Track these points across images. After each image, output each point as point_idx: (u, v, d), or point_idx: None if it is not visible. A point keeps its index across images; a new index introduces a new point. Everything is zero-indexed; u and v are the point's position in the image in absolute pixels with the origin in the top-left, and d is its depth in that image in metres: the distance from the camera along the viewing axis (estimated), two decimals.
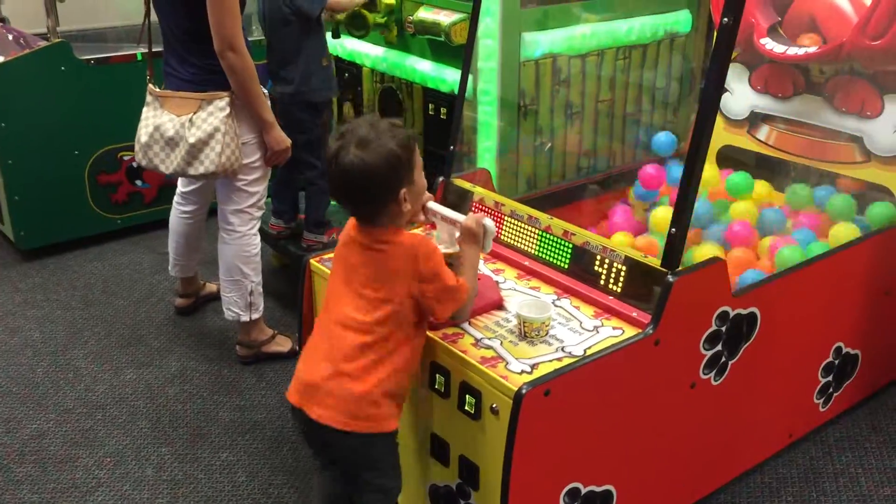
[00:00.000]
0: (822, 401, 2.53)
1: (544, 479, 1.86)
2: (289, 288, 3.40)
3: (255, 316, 2.91)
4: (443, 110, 3.26)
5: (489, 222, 1.94)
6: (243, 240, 2.83)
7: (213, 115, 2.61)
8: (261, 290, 2.90)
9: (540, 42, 3.03)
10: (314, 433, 1.86)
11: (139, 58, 3.73)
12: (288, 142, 2.78)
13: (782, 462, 2.46)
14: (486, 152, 3.08)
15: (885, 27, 2.46)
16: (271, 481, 2.41)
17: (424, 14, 3.15)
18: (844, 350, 2.52)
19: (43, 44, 3.64)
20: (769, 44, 2.74)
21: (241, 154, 2.66)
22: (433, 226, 2.12)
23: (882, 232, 2.53)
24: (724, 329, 2.10)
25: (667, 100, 3.47)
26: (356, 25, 3.33)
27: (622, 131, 3.41)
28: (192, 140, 2.60)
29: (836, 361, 2.51)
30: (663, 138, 3.05)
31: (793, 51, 2.68)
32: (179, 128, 2.64)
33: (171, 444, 2.58)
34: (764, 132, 2.98)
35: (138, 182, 3.93)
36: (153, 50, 2.90)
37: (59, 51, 3.58)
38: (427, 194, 2.03)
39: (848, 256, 2.42)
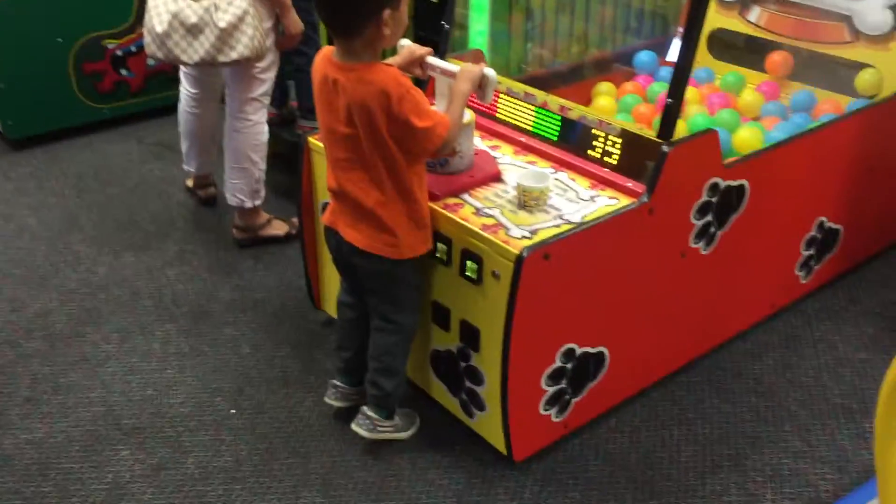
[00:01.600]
0: (803, 273, 2.64)
1: (542, 339, 1.96)
2: (280, 176, 3.42)
3: (258, 202, 2.95)
4: None
5: (489, 71, 1.96)
6: (255, 128, 2.84)
7: None
8: (264, 177, 2.93)
9: None
10: (342, 252, 2.00)
11: None
12: (302, 26, 2.75)
13: (764, 330, 2.58)
14: (478, 35, 3.08)
15: None
16: (275, 353, 2.50)
17: None
18: (827, 224, 2.61)
19: None
20: None
21: (265, 36, 2.63)
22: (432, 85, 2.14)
23: (867, 109, 2.59)
24: (714, 200, 2.17)
25: None
26: None
27: (613, 15, 3.40)
28: (222, 24, 2.54)
29: (819, 235, 2.60)
30: (644, 57, 3.05)
31: None
32: (203, 13, 2.55)
33: (174, 320, 2.65)
34: (755, 14, 2.99)
35: (123, 71, 3.89)
36: None
37: None
38: (425, 49, 2.06)
39: (833, 132, 2.49)
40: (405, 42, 2.09)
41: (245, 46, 2.57)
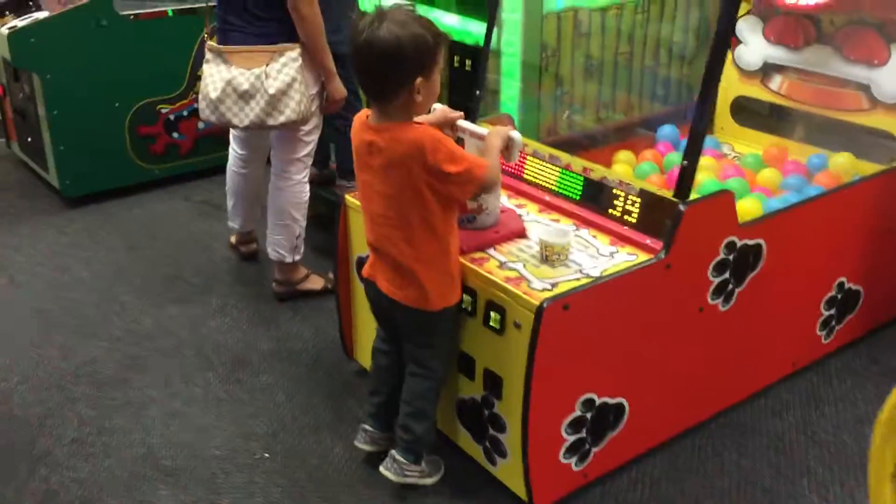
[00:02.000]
0: (824, 333, 2.69)
1: (562, 388, 2.04)
2: (318, 233, 3.57)
3: (297, 258, 3.10)
4: (467, 62, 3.40)
5: (515, 133, 2.10)
6: (297, 187, 3.01)
7: (288, 66, 2.73)
8: (304, 234, 3.08)
9: None
10: (381, 303, 2.13)
11: (170, 13, 3.91)
12: (345, 92, 2.93)
13: (786, 388, 2.62)
14: (509, 101, 3.23)
15: None
16: (308, 401, 2.61)
17: None
18: (847, 285, 2.67)
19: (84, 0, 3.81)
20: None
21: (311, 102, 2.82)
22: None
23: (890, 171, 2.66)
24: (731, 258, 2.26)
25: (683, 53, 3.59)
26: None
27: (640, 83, 3.54)
28: (272, 91, 2.72)
29: (839, 296, 2.66)
30: (666, 130, 3.16)
31: (805, 1, 2.80)
32: (255, 80, 2.73)
33: (214, 369, 2.77)
34: (776, 82, 3.10)
35: (175, 134, 4.11)
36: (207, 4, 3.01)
37: (100, 6, 3.74)
38: (457, 113, 2.20)
39: (850, 194, 2.57)
40: (438, 106, 2.24)
41: (292, 111, 2.75)
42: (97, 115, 3.85)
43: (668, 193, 2.15)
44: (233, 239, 3.50)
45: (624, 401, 2.18)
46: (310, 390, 2.66)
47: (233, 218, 3.35)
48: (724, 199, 2.20)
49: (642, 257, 2.13)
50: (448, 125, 2.21)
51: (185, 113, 4.08)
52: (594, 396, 2.11)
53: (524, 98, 3.23)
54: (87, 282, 3.31)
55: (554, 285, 2.01)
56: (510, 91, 3.21)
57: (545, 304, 1.92)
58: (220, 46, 2.80)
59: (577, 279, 2.03)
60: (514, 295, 1.99)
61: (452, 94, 3.51)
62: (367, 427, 2.31)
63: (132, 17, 3.85)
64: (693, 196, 2.13)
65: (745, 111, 3.27)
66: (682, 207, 2.09)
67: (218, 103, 2.79)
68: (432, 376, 2.13)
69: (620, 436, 2.21)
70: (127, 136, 3.97)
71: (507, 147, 2.10)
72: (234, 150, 3.20)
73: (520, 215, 2.36)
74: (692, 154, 2.10)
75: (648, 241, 2.16)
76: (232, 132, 3.17)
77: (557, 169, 2.43)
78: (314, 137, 2.98)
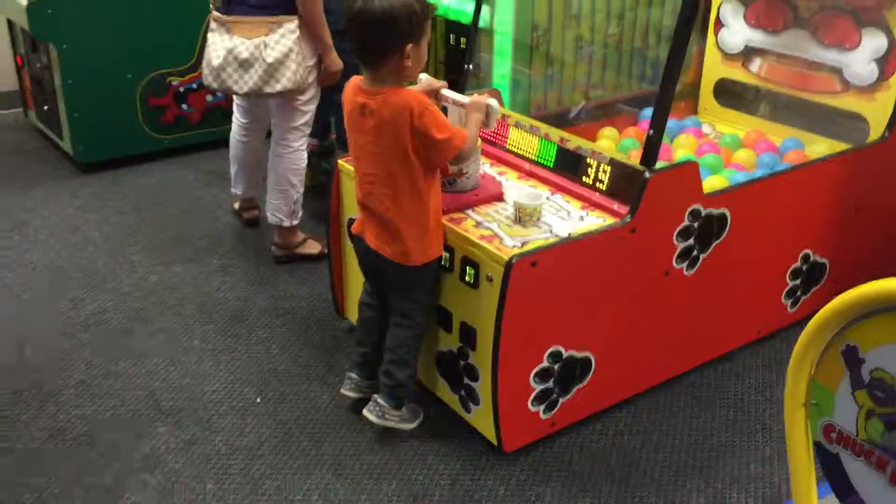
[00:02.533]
0: (790, 302, 2.84)
1: (530, 339, 2.20)
2: (317, 203, 3.74)
3: (295, 222, 3.27)
4: (462, 40, 3.56)
5: (493, 101, 2.26)
6: (295, 154, 3.18)
7: (286, 37, 2.91)
8: (301, 199, 3.25)
9: None
10: (368, 257, 2.28)
11: None
12: (341, 64, 3.09)
13: (750, 353, 2.77)
14: (501, 78, 3.38)
15: None
16: (300, 353, 2.78)
17: None
18: (812, 257, 2.81)
19: None
20: None
21: (307, 73, 2.99)
22: None
23: (854, 151, 2.80)
24: (695, 225, 2.41)
25: (670, 35, 3.71)
26: None
27: (629, 65, 3.67)
28: (270, 60, 2.89)
29: (804, 267, 2.80)
30: (648, 112, 3.17)
31: None
32: (254, 49, 2.91)
33: (214, 322, 2.95)
34: (756, 65, 3.24)
35: (184, 106, 4.28)
36: None
37: None
38: (441, 82, 2.36)
39: (818, 171, 2.70)
40: (423, 76, 2.40)
41: (288, 80, 2.91)
42: (110, 85, 4.02)
43: (636, 162, 2.30)
44: (236, 205, 3.68)
45: (591, 355, 2.34)
46: (302, 344, 2.83)
47: (235, 185, 3.52)
48: (688, 169, 2.34)
49: (610, 221, 2.29)
50: (433, 94, 2.36)
51: (194, 85, 4.24)
52: (561, 349, 2.27)
53: (515, 75, 3.37)
54: (98, 242, 3.50)
55: (524, 243, 2.16)
56: (502, 69, 3.36)
57: (514, 260, 2.07)
58: (224, 16, 2.97)
59: (547, 238, 2.19)
60: (486, 251, 2.15)
61: (448, 71, 3.67)
62: (353, 375, 2.48)
63: None
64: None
65: (729, 93, 3.41)
66: (647, 175, 2.24)
67: (220, 70, 2.96)
68: (415, 326, 2.30)
69: (587, 388, 2.37)
70: (138, 106, 4.14)
71: (487, 115, 2.26)
72: (236, 119, 3.37)
73: (499, 181, 2.52)
74: (657, 125, 2.24)
75: (616, 206, 2.31)
76: (235, 102, 3.34)
77: (536, 138, 2.59)
78: (311, 107, 3.15)
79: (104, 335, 2.87)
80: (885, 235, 3.01)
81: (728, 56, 3.34)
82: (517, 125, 2.66)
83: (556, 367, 2.27)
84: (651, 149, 2.26)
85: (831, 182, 2.75)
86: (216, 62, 2.97)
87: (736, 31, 3.28)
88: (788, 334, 2.87)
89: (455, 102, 2.33)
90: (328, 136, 3.73)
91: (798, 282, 2.81)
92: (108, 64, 3.98)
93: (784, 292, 2.80)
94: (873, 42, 2.84)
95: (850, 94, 2.95)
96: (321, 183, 3.90)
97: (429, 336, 2.41)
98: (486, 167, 2.62)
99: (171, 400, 2.56)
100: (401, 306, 2.30)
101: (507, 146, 2.68)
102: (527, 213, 2.26)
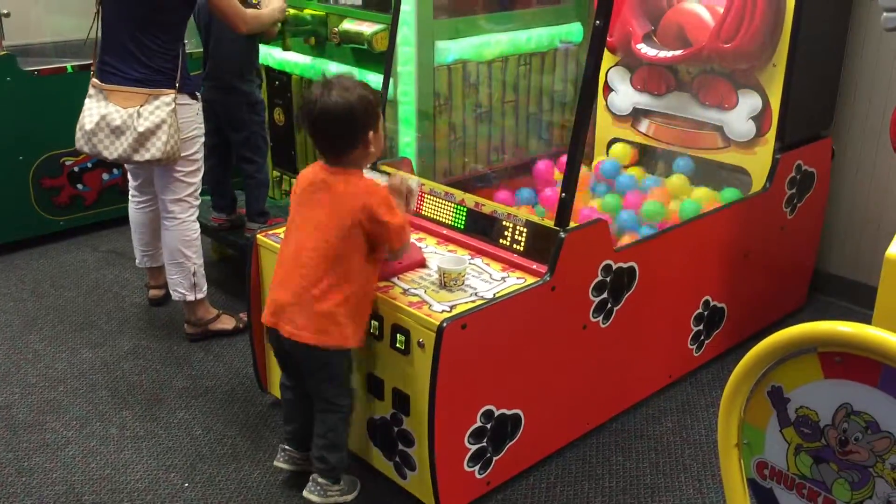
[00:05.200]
0: (695, 347, 3.01)
1: (464, 400, 2.25)
2: (229, 276, 3.71)
3: (200, 296, 3.23)
4: None
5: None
6: (183, 226, 3.16)
7: (160, 108, 2.94)
8: (203, 272, 3.22)
9: (451, 49, 3.45)
10: (284, 349, 2.25)
11: (69, 69, 4.01)
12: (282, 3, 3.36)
13: (664, 398, 2.91)
14: (407, 146, 3.48)
15: (734, 32, 2.97)
16: (225, 433, 2.73)
17: (349, 25, 3.54)
18: (712, 303, 3.00)
19: None
20: (644, 48, 3.22)
21: (180, 146, 3.00)
22: None
23: (739, 202, 3.03)
24: (608, 279, 2.54)
25: (564, 101, 3.93)
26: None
27: (525, 128, 3.86)
28: (140, 129, 2.92)
29: (705, 312, 2.98)
30: (608, 165, 3.42)
31: (663, 54, 3.18)
32: (127, 118, 2.93)
33: (130, 408, 2.87)
34: (644, 125, 3.46)
35: (79, 186, 4.18)
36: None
37: (4, 63, 3.82)
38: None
39: (711, 221, 2.91)
40: None
41: (158, 150, 2.94)
42: (1, 168, 3.90)
43: (551, 223, 2.42)
44: (148, 283, 3.60)
45: (520, 412, 2.41)
46: (226, 423, 2.78)
47: (138, 258, 3.46)
48: (599, 227, 2.48)
49: (530, 280, 2.39)
50: None
51: (89, 164, 4.16)
52: (493, 408, 2.33)
53: (420, 143, 3.48)
54: None
55: (452, 307, 2.23)
56: (407, 137, 3.46)
57: (445, 324, 2.14)
58: (101, 83, 3.00)
59: (473, 301, 2.27)
60: (416, 317, 2.20)
61: None
62: (286, 447, 2.45)
63: (35, 73, 3.93)
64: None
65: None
66: (562, 235, 2.37)
67: (91, 135, 3.00)
68: (340, 410, 2.30)
69: (518, 444, 2.44)
70: (31, 188, 4.02)
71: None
72: (130, 182, 3.36)
73: (420, 247, 2.58)
74: (568, 188, 2.38)
75: (535, 265, 2.42)
76: (128, 168, 3.34)
77: (451, 204, 2.68)
78: (196, 179, 3.16)
79: (13, 431, 2.74)
80: (773, 278, 3.25)
81: (618, 117, 3.56)
82: (431, 192, 2.75)
83: (489, 425, 2.33)
84: (564, 210, 2.39)
85: (722, 231, 2.96)
86: (89, 126, 3.00)
87: (623, 94, 3.50)
88: (696, 377, 3.03)
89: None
90: (236, 210, 3.72)
91: (701, 327, 2.99)
92: None
93: (689, 337, 2.96)
94: (749, 102, 3.10)
95: (732, 150, 3.19)
96: (230, 256, 3.88)
97: (360, 404, 2.43)
98: None
99: (94, 493, 2.46)
100: (324, 393, 2.29)
101: (423, 213, 2.76)
102: (451, 278, 2.33)
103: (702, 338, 3.02)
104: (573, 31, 3.86)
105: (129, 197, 3.39)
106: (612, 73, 3.53)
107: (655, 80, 3.37)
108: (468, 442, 2.29)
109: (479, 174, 3.54)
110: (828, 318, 3.20)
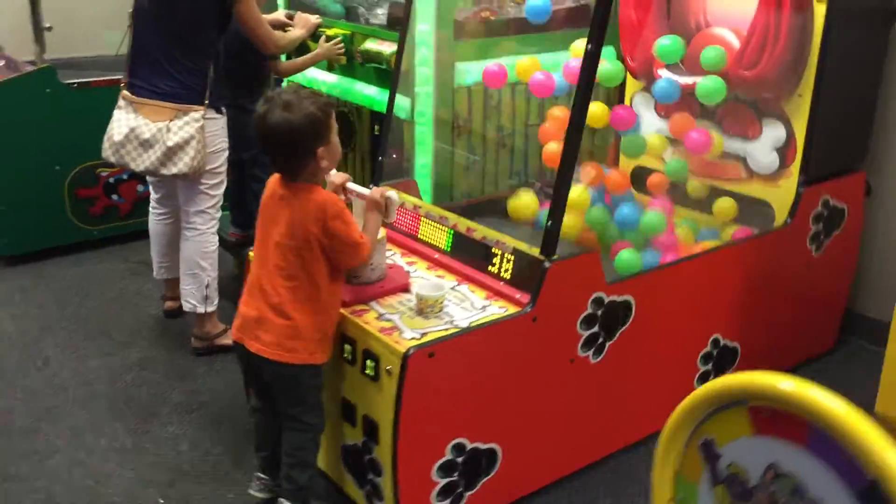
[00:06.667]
0: None
1: (432, 432, 2.17)
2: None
3: (210, 309, 3.23)
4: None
5: (392, 193, 2.29)
6: (202, 237, 3.18)
7: (189, 124, 2.99)
8: (216, 285, 3.23)
9: (472, 71, 3.40)
10: (250, 364, 2.22)
11: (108, 83, 4.10)
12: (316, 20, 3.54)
13: None
14: (423, 168, 3.43)
15: (756, 59, 2.82)
16: (210, 450, 2.71)
17: (370, 45, 3.53)
18: (723, 342, 2.84)
19: (30, 69, 4.02)
20: (665, 74, 3.10)
21: (206, 160, 3.03)
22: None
23: (760, 236, 2.87)
24: (599, 313, 2.42)
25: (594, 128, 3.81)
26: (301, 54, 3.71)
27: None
28: (170, 143, 2.97)
29: (714, 352, 2.82)
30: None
31: (684, 80, 3.05)
32: (156, 132, 2.99)
33: (124, 419, 2.88)
34: (668, 154, 3.32)
35: (115, 196, 4.27)
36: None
37: (44, 75, 3.95)
38: (346, 175, 2.39)
39: (724, 256, 2.76)
40: (333, 172, 2.42)
41: (185, 164, 2.97)
42: (38, 177, 4.01)
43: (536, 251, 2.32)
44: (164, 295, 3.64)
45: (496, 446, 2.31)
46: (213, 440, 2.76)
47: (156, 269, 3.49)
48: (589, 259, 2.38)
49: (512, 310, 2.29)
50: (339, 188, 2.38)
51: (124, 176, 4.24)
52: (465, 441, 2.24)
53: (437, 165, 3.43)
54: (12, 336, 3.42)
55: (423, 335, 2.16)
56: (423, 159, 3.41)
57: (411, 352, 2.07)
58: (132, 96, 3.05)
59: (446, 329, 2.19)
60: (384, 343, 2.14)
61: (374, 159, 3.71)
62: (261, 475, 2.41)
63: (74, 85, 4.04)
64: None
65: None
66: (546, 265, 2.27)
67: (120, 146, 3.05)
68: (308, 428, 2.25)
69: (495, 481, 2.34)
70: (67, 197, 4.13)
71: (386, 207, 2.29)
72: (151, 194, 3.41)
73: (408, 271, 2.52)
74: (555, 216, 2.28)
75: (518, 295, 2.33)
76: (149, 180, 3.38)
77: (445, 229, 2.61)
78: (219, 192, 3.18)
79: (7, 436, 2.78)
80: (796, 318, 3.06)
81: None
82: (427, 216, 2.69)
83: (460, 459, 2.24)
84: (550, 239, 2.29)
85: (738, 267, 2.81)
86: (118, 138, 3.05)
87: (648, 121, 3.37)
88: None
89: (359, 195, 2.36)
90: (253, 226, 3.72)
91: (710, 366, 2.83)
92: (36, 156, 3.98)
93: (696, 377, 2.81)
94: (773, 132, 2.94)
95: (756, 182, 3.04)
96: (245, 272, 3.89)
97: (335, 430, 2.37)
98: (396, 258, 2.63)
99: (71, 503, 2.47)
100: (291, 411, 2.25)
101: (419, 236, 2.70)
102: (428, 305, 2.26)
103: (710, 378, 2.86)
104: (605, 56, 3.75)
105: (150, 209, 3.44)
106: (637, 99, 3.42)
107: (679, 108, 3.24)
108: (436, 475, 2.21)
109: (497, 198, 3.46)
110: (856, 364, 3.01)
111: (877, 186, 3.20)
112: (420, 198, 3.00)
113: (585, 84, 2.26)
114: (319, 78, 3.90)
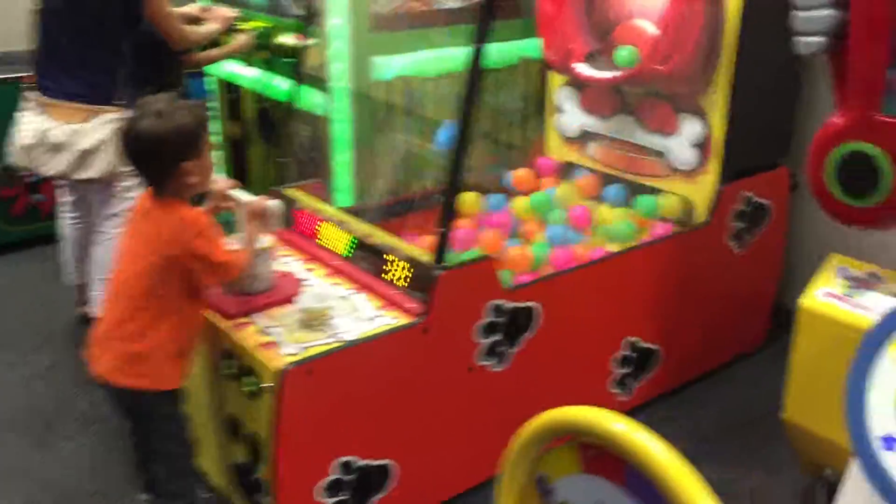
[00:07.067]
0: (620, 391, 2.77)
1: (314, 451, 2.08)
2: None
3: None
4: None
5: (272, 203, 2.18)
6: (111, 242, 3.06)
7: (103, 126, 2.86)
8: None
9: (391, 65, 3.29)
10: (103, 388, 2.08)
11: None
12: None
13: None
14: (341, 167, 3.32)
15: (670, 53, 2.73)
16: (102, 468, 2.61)
17: (284, 38, 3.42)
18: (641, 344, 2.76)
19: None
20: (581, 68, 3.00)
21: (120, 163, 2.91)
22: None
23: (673, 237, 2.79)
24: (499, 320, 2.33)
25: (522, 121, 3.72)
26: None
27: (481, 147, 3.65)
28: (83, 147, 2.85)
29: (633, 354, 2.74)
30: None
31: (600, 75, 2.95)
32: (70, 135, 2.86)
33: (22, 433, 2.77)
34: (592, 149, 3.23)
35: (37, 195, 4.14)
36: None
37: None
38: (231, 181, 2.27)
39: (635, 257, 2.67)
40: (217, 177, 2.31)
41: (98, 169, 2.86)
42: None
43: (430, 259, 2.23)
44: (77, 300, 3.52)
45: (390, 462, 2.23)
46: (108, 457, 2.66)
47: (69, 274, 3.38)
48: (484, 266, 2.28)
49: (403, 321, 2.20)
50: (221, 195, 2.27)
51: None
52: (354, 459, 2.15)
53: (357, 164, 3.32)
54: None
55: (303, 349, 2.06)
56: (341, 157, 3.30)
57: (287, 369, 1.97)
58: (45, 98, 2.91)
59: (329, 344, 2.09)
60: (262, 360, 2.04)
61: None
62: (145, 496, 2.30)
63: None
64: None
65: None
66: (436, 273, 2.17)
67: (29, 150, 2.92)
68: (170, 459, 2.12)
69: (390, 498, 2.25)
70: None
71: (266, 217, 2.19)
72: (63, 200, 3.28)
73: (301, 280, 2.42)
74: (446, 222, 2.18)
75: (411, 305, 2.23)
76: (61, 185, 3.25)
77: (344, 234, 2.51)
78: (132, 195, 3.04)
79: None
80: (720, 316, 2.99)
81: (568, 140, 3.34)
82: (328, 220, 2.59)
83: (348, 478, 2.15)
84: (441, 246, 2.19)
85: (654, 267, 2.72)
86: (27, 141, 2.92)
87: (572, 116, 3.28)
88: None
89: (240, 203, 2.25)
90: None
91: (628, 369, 2.75)
92: None
93: (612, 381, 2.73)
94: (691, 128, 2.85)
95: (676, 178, 2.95)
96: None
97: (224, 447, 2.28)
98: (296, 265, 2.53)
99: None
100: (153, 443, 2.12)
101: (320, 241, 2.60)
102: (313, 317, 2.16)
103: (629, 381, 2.78)
104: (532, 47, 3.64)
105: (63, 212, 3.31)
106: (561, 93, 3.32)
107: (601, 102, 3.14)
108: (321, 495, 2.11)
109: (420, 196, 3.35)
110: (784, 360, 2.94)
111: (803, 181, 3.11)
112: (329, 199, 2.90)
113: (472, 84, 2.15)
114: (241, 73, 3.78)
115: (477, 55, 2.13)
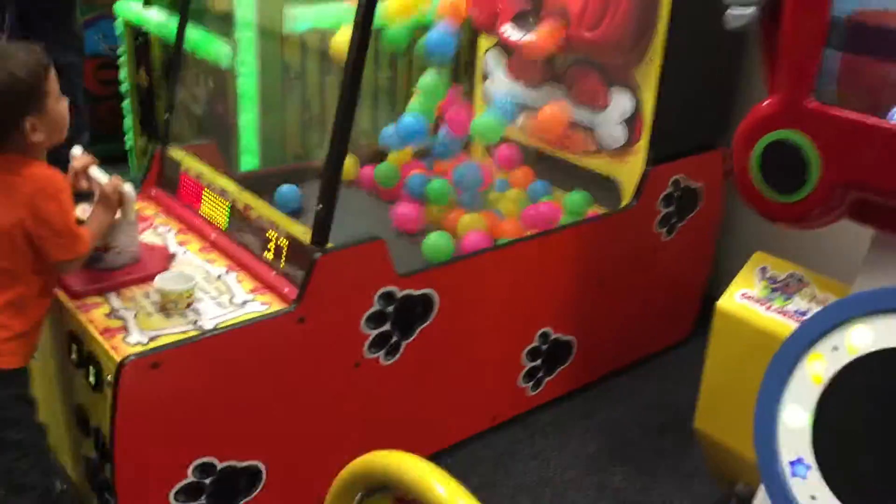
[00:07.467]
0: (530, 385, 2.56)
1: (164, 452, 1.84)
2: None
3: None
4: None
5: (128, 188, 1.91)
6: None
7: None
8: None
9: (306, 16, 3.00)
10: None
11: None
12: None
13: (484, 443, 2.48)
14: (247, 126, 3.04)
15: (599, 19, 2.48)
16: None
17: None
18: (553, 336, 2.55)
19: None
20: (508, 31, 2.74)
21: None
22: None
23: (592, 221, 2.57)
24: (390, 309, 2.10)
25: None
26: None
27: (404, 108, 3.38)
28: None
29: (544, 346, 2.53)
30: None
31: (527, 38, 2.69)
32: None
33: None
34: (520, 121, 2.98)
35: None
36: None
37: None
38: (89, 158, 1.99)
39: (550, 242, 2.45)
40: (77, 152, 2.02)
41: None
42: None
43: (309, 238, 1.98)
44: None
45: (259, 463, 1.99)
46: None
47: None
48: (373, 247, 2.04)
49: (276, 307, 1.95)
50: (81, 173, 1.98)
51: None
52: (214, 461, 1.91)
53: (264, 122, 3.04)
54: None
55: (152, 339, 1.81)
56: (247, 114, 3.02)
57: (127, 361, 1.72)
58: None
59: (185, 332, 1.84)
60: (104, 350, 1.79)
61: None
62: None
63: None
64: None
65: None
66: (316, 255, 1.93)
67: None
68: (17, 447, 1.86)
69: (258, 502, 2.02)
70: None
71: (122, 204, 1.92)
72: None
73: (171, 255, 2.16)
74: (327, 199, 1.93)
75: (287, 289, 1.99)
76: None
77: (226, 205, 2.25)
78: None
79: None
80: (644, 307, 2.79)
81: None
82: (210, 187, 2.32)
83: (207, 481, 1.91)
84: (322, 225, 1.94)
85: (571, 252, 2.50)
86: None
87: (499, 83, 3.02)
88: (530, 419, 2.59)
89: (97, 183, 1.97)
90: None
91: (538, 362, 2.54)
92: None
93: (521, 375, 2.52)
94: (621, 102, 2.62)
95: (604, 156, 2.72)
96: None
97: (76, 441, 2.03)
98: (169, 235, 2.27)
99: None
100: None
101: (200, 211, 2.33)
102: (171, 300, 1.91)
103: (540, 375, 2.57)
104: None
105: None
106: (489, 57, 3.05)
107: (529, 69, 2.89)
108: (176, 499, 1.88)
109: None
110: None
111: None
112: (221, 163, 2.62)
113: (358, 48, 1.89)
114: (148, 16, 3.45)
115: (363, 9, 1.85)
